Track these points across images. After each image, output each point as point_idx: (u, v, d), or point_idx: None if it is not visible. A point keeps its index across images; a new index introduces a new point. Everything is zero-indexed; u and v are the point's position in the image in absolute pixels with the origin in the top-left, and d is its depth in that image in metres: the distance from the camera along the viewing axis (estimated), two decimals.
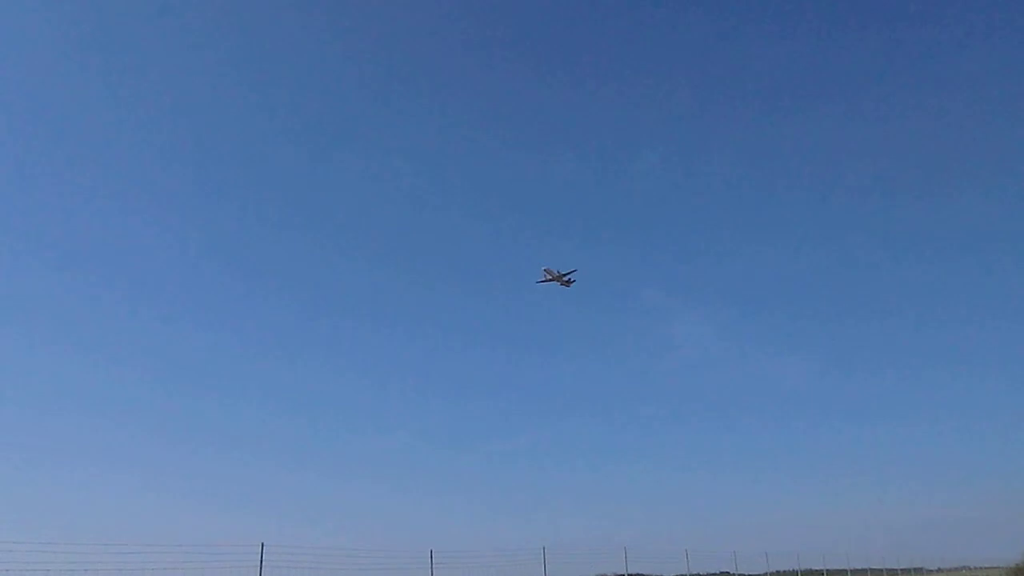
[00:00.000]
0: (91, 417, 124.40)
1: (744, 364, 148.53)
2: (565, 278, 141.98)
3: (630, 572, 37.94)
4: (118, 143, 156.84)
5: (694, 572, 44.53)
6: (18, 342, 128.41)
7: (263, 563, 24.01)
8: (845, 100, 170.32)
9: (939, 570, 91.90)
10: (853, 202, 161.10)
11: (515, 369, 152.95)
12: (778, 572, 58.21)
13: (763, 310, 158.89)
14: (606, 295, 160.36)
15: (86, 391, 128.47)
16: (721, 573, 51.86)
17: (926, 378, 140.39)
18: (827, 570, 63.84)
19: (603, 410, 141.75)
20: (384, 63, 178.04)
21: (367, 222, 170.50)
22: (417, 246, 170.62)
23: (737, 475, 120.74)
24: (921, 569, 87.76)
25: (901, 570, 79.41)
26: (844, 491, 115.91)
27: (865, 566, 71.22)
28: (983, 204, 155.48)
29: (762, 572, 55.72)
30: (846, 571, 67.53)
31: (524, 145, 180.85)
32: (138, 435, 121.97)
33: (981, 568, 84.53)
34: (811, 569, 62.02)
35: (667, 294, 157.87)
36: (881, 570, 73.93)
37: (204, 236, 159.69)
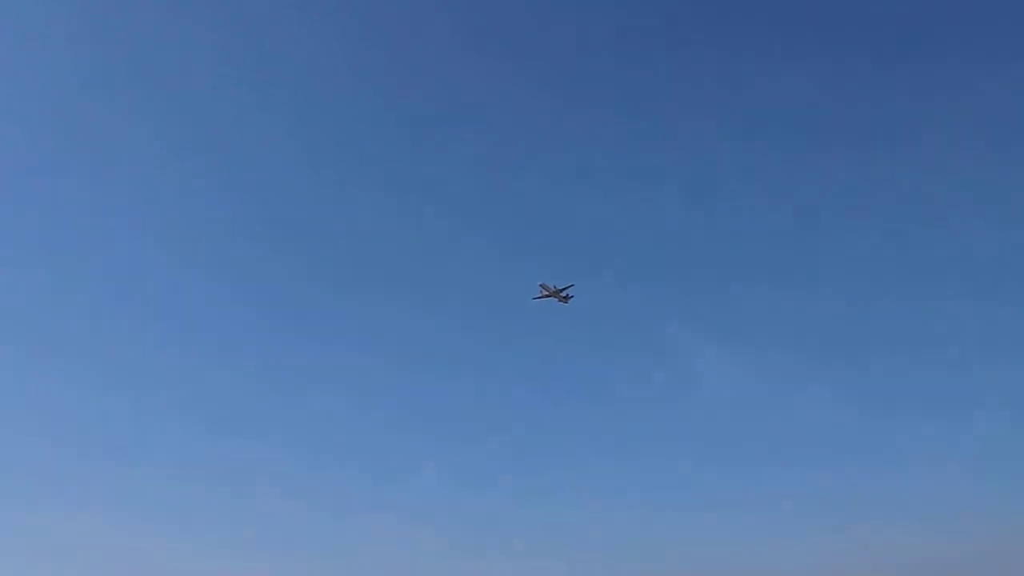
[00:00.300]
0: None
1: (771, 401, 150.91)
2: (562, 294, 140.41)
3: None
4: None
5: None
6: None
7: None
8: (872, 141, 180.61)
9: None
10: (876, 240, 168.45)
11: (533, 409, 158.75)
12: None
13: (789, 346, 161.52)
14: (632, 331, 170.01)
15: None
16: None
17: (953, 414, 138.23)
18: None
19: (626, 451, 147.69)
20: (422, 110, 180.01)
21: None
22: (446, 283, 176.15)
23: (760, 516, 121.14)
24: None
25: None
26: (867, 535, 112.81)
27: None
28: (987, 237, 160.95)
29: None
30: None
31: (550, 180, 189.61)
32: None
33: None
34: None
35: (692, 330, 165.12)
36: None
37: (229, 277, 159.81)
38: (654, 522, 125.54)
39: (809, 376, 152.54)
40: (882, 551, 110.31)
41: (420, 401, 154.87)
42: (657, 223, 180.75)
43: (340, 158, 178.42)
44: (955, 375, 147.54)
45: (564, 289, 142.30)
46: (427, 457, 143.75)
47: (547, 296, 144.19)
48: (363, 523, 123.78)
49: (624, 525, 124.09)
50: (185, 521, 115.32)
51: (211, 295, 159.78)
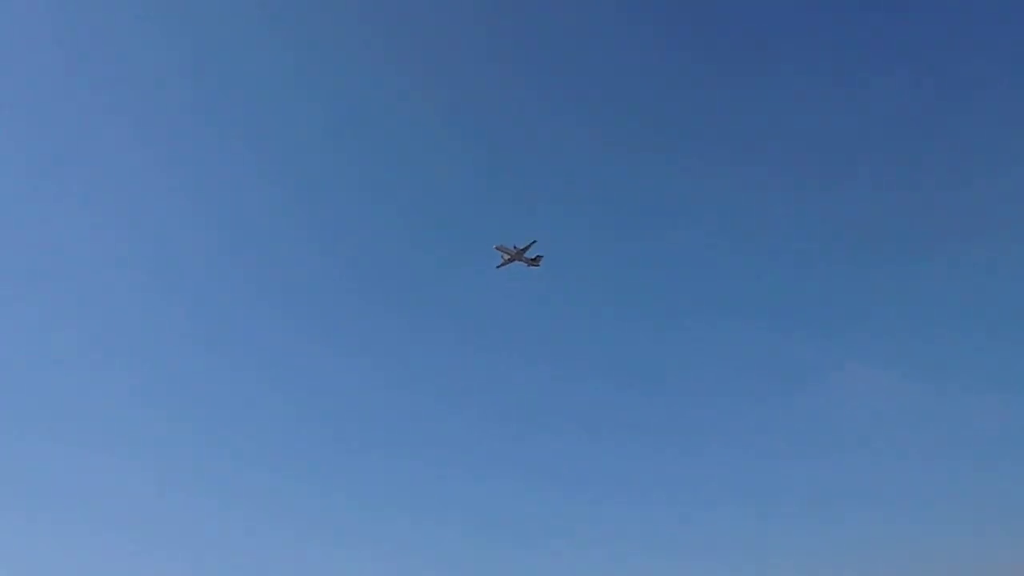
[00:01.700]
0: None
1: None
2: (527, 254, 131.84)
3: None
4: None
5: None
6: None
7: None
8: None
9: None
10: None
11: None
12: None
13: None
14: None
15: None
16: None
17: None
18: None
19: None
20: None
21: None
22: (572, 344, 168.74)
23: None
24: None
25: None
26: None
27: None
28: None
29: None
30: None
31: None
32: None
33: None
34: None
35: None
36: None
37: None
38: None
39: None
40: None
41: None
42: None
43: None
44: None
45: (526, 248, 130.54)
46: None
47: (511, 260, 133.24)
48: None
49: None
50: None
51: None
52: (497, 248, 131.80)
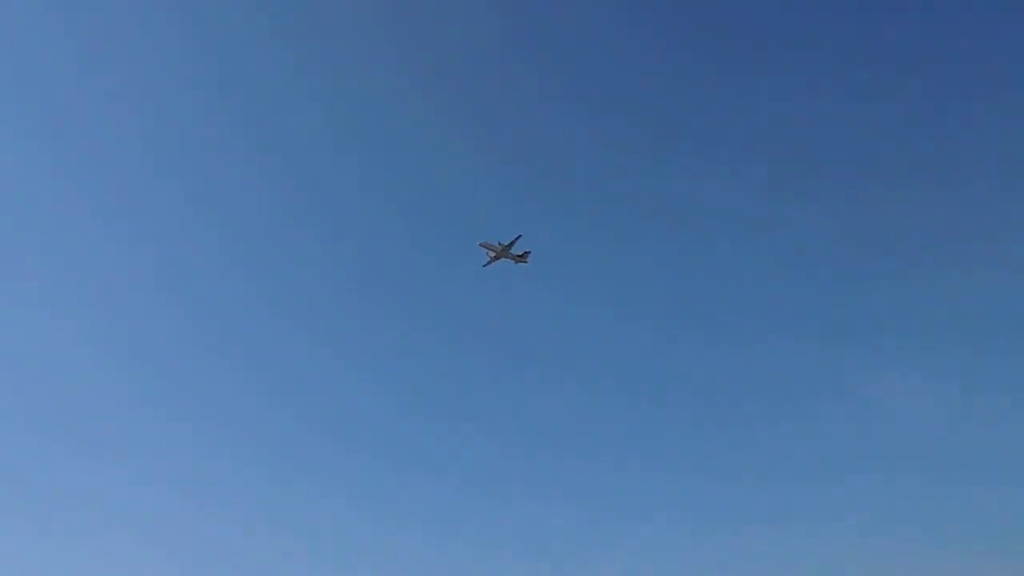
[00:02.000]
0: None
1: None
2: (513, 251, 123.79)
3: None
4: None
5: None
6: None
7: None
8: None
9: None
10: None
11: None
12: None
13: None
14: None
15: None
16: None
17: None
18: None
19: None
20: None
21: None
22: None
23: None
24: None
25: None
26: None
27: None
28: None
29: None
30: None
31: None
32: None
33: None
34: None
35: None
36: None
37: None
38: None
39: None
40: None
41: None
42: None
43: None
44: None
45: (512, 244, 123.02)
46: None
47: (497, 258, 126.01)
48: None
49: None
50: None
51: None
52: (482, 245, 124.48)
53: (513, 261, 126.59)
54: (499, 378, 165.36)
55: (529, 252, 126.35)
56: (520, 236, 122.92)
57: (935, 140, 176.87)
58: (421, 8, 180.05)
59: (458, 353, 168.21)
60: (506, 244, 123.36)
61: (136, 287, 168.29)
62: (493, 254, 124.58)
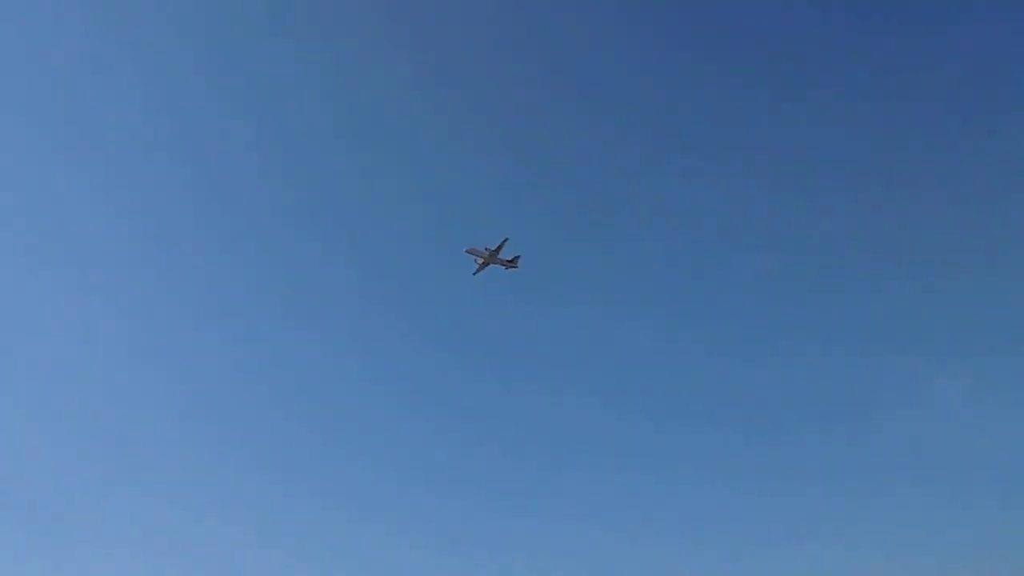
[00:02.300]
0: None
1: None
2: (500, 256, 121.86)
3: None
4: None
5: None
6: None
7: None
8: None
9: None
10: None
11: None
12: None
13: None
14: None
15: None
16: None
17: None
18: None
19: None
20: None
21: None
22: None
23: None
24: None
25: None
26: None
27: None
28: None
29: None
30: None
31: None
32: None
33: None
34: None
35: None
36: None
37: None
38: None
39: None
40: None
41: None
42: None
43: None
44: None
45: (499, 249, 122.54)
46: None
47: (486, 264, 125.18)
48: None
49: None
50: None
51: None
52: (468, 251, 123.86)
53: (503, 267, 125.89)
54: (503, 383, 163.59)
55: (519, 256, 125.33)
56: (507, 240, 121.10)
57: (935, 140, 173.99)
58: (422, 8, 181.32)
59: (462, 357, 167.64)
60: (493, 249, 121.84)
61: (137, 287, 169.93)
62: (481, 260, 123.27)
